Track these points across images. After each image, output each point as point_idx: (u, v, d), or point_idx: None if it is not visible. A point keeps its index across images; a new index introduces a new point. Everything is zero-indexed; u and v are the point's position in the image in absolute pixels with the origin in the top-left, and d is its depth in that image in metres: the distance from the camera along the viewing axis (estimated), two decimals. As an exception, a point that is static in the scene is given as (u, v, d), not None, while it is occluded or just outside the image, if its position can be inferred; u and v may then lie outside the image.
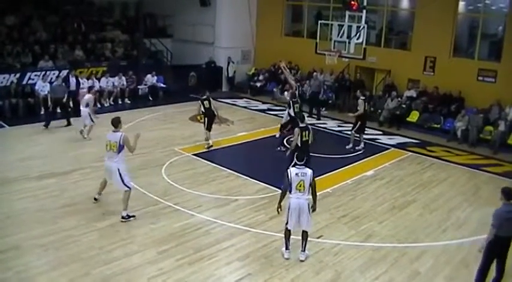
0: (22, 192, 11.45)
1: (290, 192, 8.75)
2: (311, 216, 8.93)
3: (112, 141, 10.16)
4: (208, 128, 15.42)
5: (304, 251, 9.07)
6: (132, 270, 8.45)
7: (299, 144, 12.01)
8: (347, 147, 16.09)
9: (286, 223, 8.91)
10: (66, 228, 9.80)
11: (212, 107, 15.33)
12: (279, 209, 8.93)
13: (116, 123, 10.39)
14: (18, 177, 12.36)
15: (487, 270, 8.11)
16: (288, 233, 9.03)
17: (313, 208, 8.91)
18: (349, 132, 16.53)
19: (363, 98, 16.01)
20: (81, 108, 15.81)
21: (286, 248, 9.12)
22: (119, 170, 10.13)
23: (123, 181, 10.19)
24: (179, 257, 8.92)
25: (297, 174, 8.69)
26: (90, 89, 17.22)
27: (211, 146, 15.47)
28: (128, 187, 10.24)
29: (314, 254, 9.30)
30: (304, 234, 9.01)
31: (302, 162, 8.83)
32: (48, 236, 9.43)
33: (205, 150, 15.25)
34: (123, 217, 10.24)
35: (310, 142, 12.31)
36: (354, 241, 9.93)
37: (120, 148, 10.13)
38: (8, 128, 16.81)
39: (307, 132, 12.20)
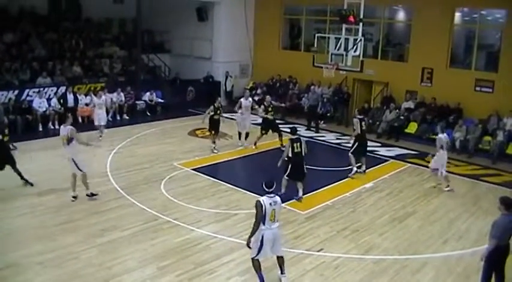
0: (21, 208, 11.42)
1: (263, 224, 8.14)
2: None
3: (62, 135, 11.86)
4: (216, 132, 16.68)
5: (284, 273, 8.62)
6: (132, 287, 8.40)
7: (290, 156, 12.02)
8: (349, 175, 14.85)
9: (256, 255, 8.32)
10: (65, 244, 9.76)
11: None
12: (249, 244, 8.36)
13: (64, 119, 12.32)
14: (18, 193, 12.33)
15: (490, 279, 8.07)
16: (257, 263, 8.40)
17: None
18: (348, 146, 16.22)
19: (360, 117, 14.91)
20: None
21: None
22: (73, 159, 11.79)
23: (77, 166, 11.86)
24: (179, 273, 8.88)
25: (270, 204, 8.12)
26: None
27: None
28: (82, 170, 11.94)
29: (315, 268, 9.25)
30: (280, 259, 8.57)
31: (271, 189, 8.27)
32: (47, 253, 9.38)
33: (202, 160, 15.61)
34: (87, 195, 12.12)
35: (303, 154, 12.26)
36: (354, 254, 9.89)
37: (70, 140, 11.71)
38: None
39: (298, 143, 12.17)
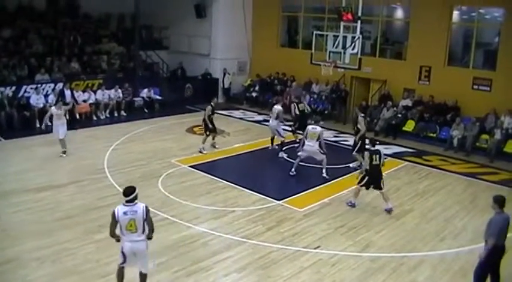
0: (19, 205, 11.41)
1: (122, 234, 7.51)
2: (148, 257, 7.81)
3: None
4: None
5: None
6: (129, 283, 8.40)
7: (368, 168, 11.77)
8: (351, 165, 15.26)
9: (120, 263, 7.74)
10: (63, 241, 9.77)
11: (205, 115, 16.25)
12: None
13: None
14: (15, 190, 12.33)
15: (485, 279, 8.09)
16: (120, 272, 7.83)
17: (148, 237, 7.64)
18: (346, 144, 16.14)
19: (363, 115, 15.28)
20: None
21: None
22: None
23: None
24: (176, 269, 8.89)
25: (125, 213, 7.39)
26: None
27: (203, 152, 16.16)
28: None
29: (312, 265, 9.27)
30: (142, 277, 7.83)
31: (131, 197, 7.50)
32: (44, 249, 9.39)
33: (200, 157, 15.62)
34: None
35: (381, 166, 12.03)
36: (351, 251, 9.90)
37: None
38: (3, 141, 16.76)
39: (377, 156, 11.79)
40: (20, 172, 13.66)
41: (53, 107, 15.81)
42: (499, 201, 7.90)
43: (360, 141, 14.64)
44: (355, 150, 14.77)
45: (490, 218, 7.93)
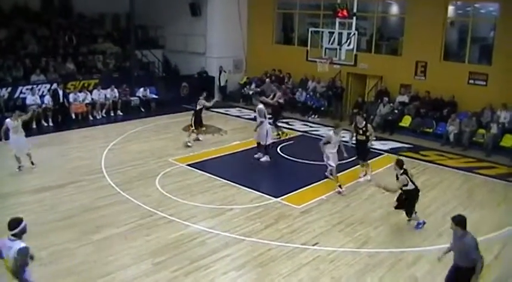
0: (17, 206, 11.36)
1: None
2: None
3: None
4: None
5: None
6: (128, 283, 8.41)
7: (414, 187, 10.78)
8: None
9: None
10: (61, 241, 9.76)
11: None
12: None
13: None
14: (13, 191, 12.32)
15: None
16: None
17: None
18: (343, 140, 15.52)
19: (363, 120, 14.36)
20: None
21: None
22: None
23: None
24: (175, 268, 8.88)
25: (5, 247, 6.43)
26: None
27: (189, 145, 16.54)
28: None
29: (310, 262, 9.28)
30: None
31: (14, 231, 6.51)
32: (43, 249, 9.34)
33: (197, 155, 15.60)
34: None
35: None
36: (349, 248, 9.92)
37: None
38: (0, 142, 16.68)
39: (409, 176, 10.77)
40: (18, 173, 13.66)
41: (8, 119, 13.90)
42: (462, 223, 7.45)
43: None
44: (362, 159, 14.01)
45: (467, 242, 7.40)
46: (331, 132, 13.14)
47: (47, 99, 19.33)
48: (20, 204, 11.53)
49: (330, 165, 12.98)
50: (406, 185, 10.58)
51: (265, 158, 15.24)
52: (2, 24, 21.91)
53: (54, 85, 19.96)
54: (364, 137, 13.73)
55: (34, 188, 12.58)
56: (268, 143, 15.25)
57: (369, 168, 14.07)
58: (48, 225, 10.51)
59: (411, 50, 20.22)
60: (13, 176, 13.47)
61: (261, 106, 15.50)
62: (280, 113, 17.31)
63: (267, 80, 22.61)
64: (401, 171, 10.62)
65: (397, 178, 10.69)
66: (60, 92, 19.61)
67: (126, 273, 8.70)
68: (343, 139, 13.72)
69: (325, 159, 13.11)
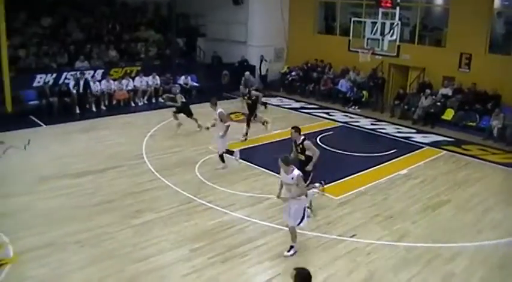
0: (58, 189, 11.69)
1: None
2: None
3: None
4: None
5: None
6: (165, 268, 8.55)
7: None
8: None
9: None
10: (101, 225, 9.97)
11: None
12: None
13: None
14: (55, 174, 12.61)
15: None
16: None
17: None
18: (383, 132, 14.51)
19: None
20: None
21: None
22: None
23: None
24: (212, 255, 8.99)
25: None
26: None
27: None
28: None
29: (347, 254, 9.25)
30: None
31: None
32: (83, 232, 9.61)
33: (237, 144, 15.42)
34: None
35: None
36: (387, 241, 9.83)
37: None
38: (44, 126, 17.14)
39: None
40: (60, 157, 13.96)
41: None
42: None
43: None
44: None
45: None
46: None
47: (71, 84, 19.45)
48: (63, 187, 11.83)
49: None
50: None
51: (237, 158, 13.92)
52: (47, 12, 22.39)
53: (99, 71, 20.34)
54: (303, 157, 10.84)
55: (76, 171, 12.84)
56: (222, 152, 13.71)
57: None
58: (89, 209, 10.74)
59: (455, 42, 19.76)
60: (57, 159, 13.77)
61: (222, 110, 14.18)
62: (255, 109, 17.00)
63: (247, 72, 21.77)
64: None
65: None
66: (81, 82, 19.37)
67: (165, 258, 8.84)
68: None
69: None
